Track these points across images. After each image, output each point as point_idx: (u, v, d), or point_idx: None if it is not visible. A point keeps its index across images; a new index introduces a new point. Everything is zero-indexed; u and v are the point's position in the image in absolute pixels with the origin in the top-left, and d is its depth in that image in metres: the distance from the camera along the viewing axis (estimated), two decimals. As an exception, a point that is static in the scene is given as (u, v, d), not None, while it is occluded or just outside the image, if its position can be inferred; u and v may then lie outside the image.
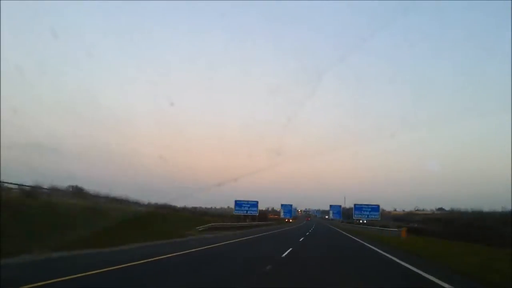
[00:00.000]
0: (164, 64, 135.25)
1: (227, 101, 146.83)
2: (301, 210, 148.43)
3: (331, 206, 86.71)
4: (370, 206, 53.94)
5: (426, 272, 9.42)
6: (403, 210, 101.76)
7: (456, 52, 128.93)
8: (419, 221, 59.66)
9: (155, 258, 10.84)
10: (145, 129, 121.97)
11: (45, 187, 18.98)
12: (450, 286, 7.45)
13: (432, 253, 14.89)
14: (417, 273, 9.53)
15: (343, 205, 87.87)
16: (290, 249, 15.55)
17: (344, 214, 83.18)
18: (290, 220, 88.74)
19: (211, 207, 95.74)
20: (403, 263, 11.76)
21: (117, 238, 14.99)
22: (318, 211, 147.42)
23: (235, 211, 55.76)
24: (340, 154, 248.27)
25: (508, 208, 32.74)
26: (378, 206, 54.97)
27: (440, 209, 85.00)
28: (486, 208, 40.67)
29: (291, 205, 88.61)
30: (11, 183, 16.42)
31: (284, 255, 13.19)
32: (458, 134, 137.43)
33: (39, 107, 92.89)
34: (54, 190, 20.69)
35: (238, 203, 56.64)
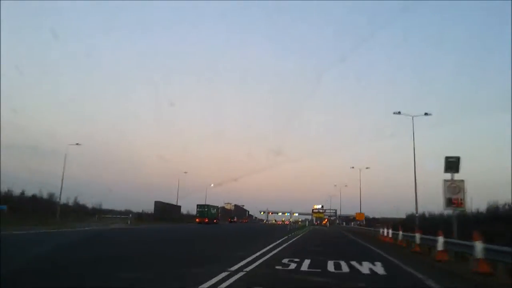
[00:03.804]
0: (164, 64, 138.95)
1: (226, 101, 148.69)
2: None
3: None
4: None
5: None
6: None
7: (456, 52, 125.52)
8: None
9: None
10: (145, 129, 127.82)
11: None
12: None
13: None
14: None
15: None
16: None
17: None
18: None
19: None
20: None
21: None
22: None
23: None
24: (340, 154, 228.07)
25: None
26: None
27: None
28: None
29: None
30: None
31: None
32: (457, 134, 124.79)
33: (39, 107, 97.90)
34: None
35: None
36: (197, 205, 70.80)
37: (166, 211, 65.23)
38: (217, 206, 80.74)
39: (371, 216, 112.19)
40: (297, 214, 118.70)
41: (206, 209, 68.52)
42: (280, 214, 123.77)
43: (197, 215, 67.68)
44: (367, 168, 54.70)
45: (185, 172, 63.01)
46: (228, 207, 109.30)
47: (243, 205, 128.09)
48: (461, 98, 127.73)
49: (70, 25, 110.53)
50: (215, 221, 70.97)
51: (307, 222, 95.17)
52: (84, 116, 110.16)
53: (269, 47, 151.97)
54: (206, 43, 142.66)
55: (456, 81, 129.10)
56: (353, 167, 53.81)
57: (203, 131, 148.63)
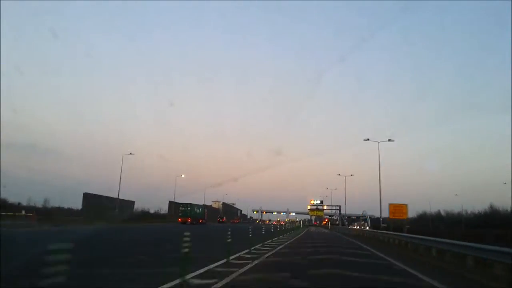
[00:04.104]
0: (164, 64, 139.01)
1: (226, 100, 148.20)
2: None
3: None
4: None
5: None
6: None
7: (456, 51, 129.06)
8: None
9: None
10: (145, 129, 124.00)
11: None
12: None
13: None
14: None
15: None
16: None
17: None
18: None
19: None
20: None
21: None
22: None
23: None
24: (340, 153, 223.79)
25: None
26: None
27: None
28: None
29: None
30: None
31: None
32: (457, 134, 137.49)
33: (39, 107, 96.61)
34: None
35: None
36: (180, 203, 63.17)
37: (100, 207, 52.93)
38: (203, 205, 72.41)
39: (375, 216, 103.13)
40: (294, 214, 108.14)
41: (189, 208, 61.05)
42: (275, 213, 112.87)
43: (180, 214, 61.82)
44: (389, 140, 37.30)
45: (131, 153, 53.45)
46: (215, 205, 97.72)
47: (234, 204, 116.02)
48: (461, 98, 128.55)
49: (70, 25, 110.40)
50: (200, 221, 63.84)
51: (301, 223, 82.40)
52: (84, 116, 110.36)
53: (269, 47, 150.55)
54: (206, 43, 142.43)
55: (456, 81, 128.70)
56: (368, 139, 37.14)
57: (202, 131, 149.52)
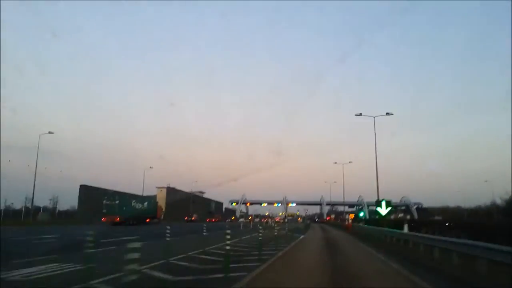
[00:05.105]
0: (164, 64, 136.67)
1: (227, 101, 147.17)
2: None
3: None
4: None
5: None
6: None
7: (456, 52, 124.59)
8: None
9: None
10: (145, 129, 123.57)
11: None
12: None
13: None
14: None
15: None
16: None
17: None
18: None
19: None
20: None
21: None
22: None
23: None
24: (341, 153, 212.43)
25: None
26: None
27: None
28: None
29: None
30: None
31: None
32: (457, 134, 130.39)
33: (39, 107, 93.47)
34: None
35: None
36: (105, 195, 39.10)
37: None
38: (149, 197, 47.76)
39: (424, 205, 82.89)
40: (294, 205, 79.87)
41: (117, 202, 37.39)
42: (265, 205, 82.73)
43: (104, 211, 42.39)
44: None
45: (51, 132, 32.38)
46: (160, 194, 63.59)
47: (203, 192, 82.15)
48: (461, 98, 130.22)
49: (70, 25, 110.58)
50: (148, 220, 46.01)
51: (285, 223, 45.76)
52: (84, 116, 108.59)
53: (269, 47, 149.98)
54: (206, 43, 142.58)
55: (456, 81, 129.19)
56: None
57: (202, 130, 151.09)
